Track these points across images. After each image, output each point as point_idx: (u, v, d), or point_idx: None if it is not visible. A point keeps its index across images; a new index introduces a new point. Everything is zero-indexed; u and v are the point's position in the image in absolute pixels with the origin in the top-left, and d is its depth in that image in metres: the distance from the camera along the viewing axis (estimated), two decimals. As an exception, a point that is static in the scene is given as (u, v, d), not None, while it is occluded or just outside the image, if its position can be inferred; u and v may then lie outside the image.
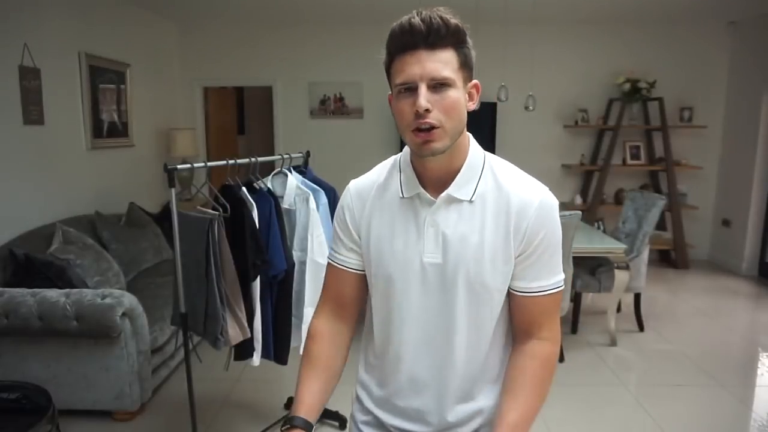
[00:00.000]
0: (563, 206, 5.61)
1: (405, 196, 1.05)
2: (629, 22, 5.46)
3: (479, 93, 1.02)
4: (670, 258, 5.75)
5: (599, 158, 5.66)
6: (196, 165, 2.19)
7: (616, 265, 3.57)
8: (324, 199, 2.47)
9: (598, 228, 4.62)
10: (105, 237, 3.52)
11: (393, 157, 1.13)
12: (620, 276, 3.56)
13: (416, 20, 0.92)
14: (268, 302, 2.30)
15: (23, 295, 2.55)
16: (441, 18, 0.92)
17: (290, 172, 2.48)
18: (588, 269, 3.73)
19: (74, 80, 3.88)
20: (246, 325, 2.17)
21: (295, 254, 2.40)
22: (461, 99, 0.96)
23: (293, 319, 2.37)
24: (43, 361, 2.61)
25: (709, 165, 5.67)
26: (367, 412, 1.18)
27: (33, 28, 3.41)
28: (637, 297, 3.96)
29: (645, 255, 3.86)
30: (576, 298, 3.87)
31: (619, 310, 3.98)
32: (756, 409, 2.90)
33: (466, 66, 0.97)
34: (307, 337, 1.16)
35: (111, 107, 4.32)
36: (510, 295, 1.06)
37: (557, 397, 2.90)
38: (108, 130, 4.28)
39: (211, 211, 2.12)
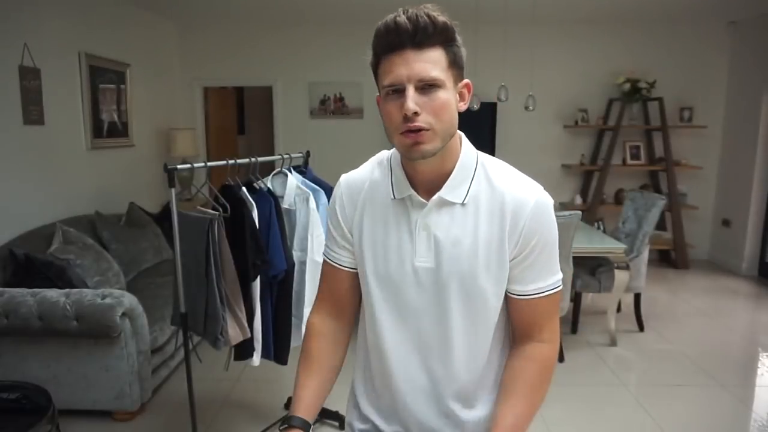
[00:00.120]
0: (563, 206, 5.62)
1: (396, 197, 1.02)
2: (629, 22, 5.46)
3: (471, 93, 0.99)
4: (670, 258, 5.75)
5: (599, 158, 5.66)
6: (196, 165, 2.19)
7: (616, 265, 3.57)
8: (324, 199, 2.47)
9: (598, 228, 4.62)
10: (105, 237, 3.52)
11: (383, 154, 1.09)
12: (620, 276, 3.56)
13: (402, 19, 0.88)
14: (268, 302, 2.30)
15: (23, 295, 2.55)
16: (428, 16, 0.88)
17: (290, 172, 2.48)
18: (588, 269, 3.73)
19: (74, 80, 3.88)
20: (246, 325, 2.17)
21: (295, 254, 2.40)
22: (451, 100, 0.92)
23: (293, 319, 2.37)
24: (43, 361, 2.61)
25: (709, 165, 5.67)
26: (365, 419, 1.15)
27: (33, 28, 3.41)
28: (637, 297, 3.96)
29: (645, 255, 3.86)
30: (576, 298, 3.86)
31: (619, 310, 3.98)
32: (756, 409, 2.90)
33: (455, 65, 0.93)
34: (305, 335, 1.15)
35: (111, 107, 4.32)
36: (507, 299, 1.03)
37: (557, 397, 2.90)
38: (108, 130, 4.28)
39: (211, 211, 2.12)
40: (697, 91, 5.57)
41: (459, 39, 0.93)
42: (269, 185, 2.40)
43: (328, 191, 2.54)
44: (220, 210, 2.11)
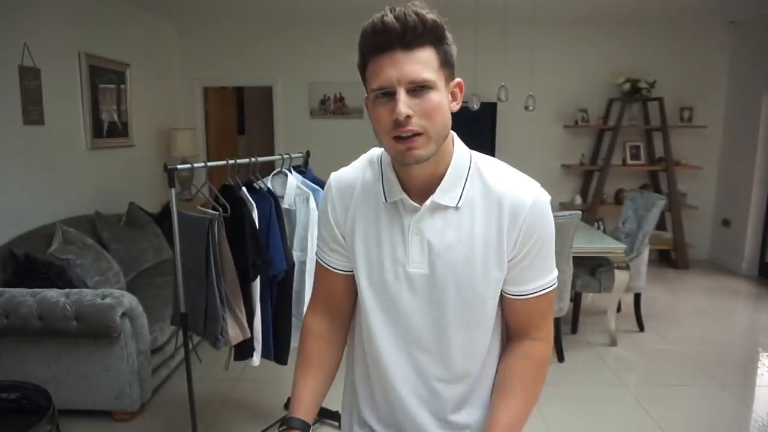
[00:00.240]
0: (563, 206, 5.62)
1: (388, 200, 0.99)
2: (629, 22, 5.46)
3: (463, 92, 0.95)
4: (670, 258, 5.75)
5: (599, 158, 5.66)
6: (196, 165, 2.19)
7: (616, 265, 3.57)
8: (324, 199, 2.46)
9: (598, 228, 4.62)
10: (105, 237, 3.52)
11: (374, 152, 1.05)
12: (620, 276, 3.56)
13: (389, 18, 0.84)
14: (268, 302, 2.30)
15: (23, 295, 2.55)
16: (417, 14, 0.84)
17: (290, 172, 2.48)
18: (588, 269, 3.73)
19: (74, 80, 3.88)
20: (246, 325, 2.17)
21: (295, 254, 2.39)
22: (444, 101, 0.89)
23: (293, 319, 2.37)
24: (43, 361, 2.61)
25: (709, 165, 5.67)
26: (364, 424, 1.14)
27: (33, 28, 3.41)
28: (637, 297, 3.96)
29: (645, 255, 3.86)
30: (576, 298, 3.87)
31: (619, 310, 3.98)
32: (756, 409, 2.90)
33: (447, 64, 0.89)
34: (301, 335, 1.14)
35: (111, 107, 4.32)
36: (503, 298, 1.02)
37: (557, 397, 2.91)
38: (108, 130, 4.28)
39: (211, 211, 2.12)
40: (697, 91, 5.57)
41: (449, 37, 0.89)
42: (269, 185, 2.40)
43: (328, 191, 2.53)
44: (220, 210, 2.11)
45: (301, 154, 2.73)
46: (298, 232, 2.41)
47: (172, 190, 2.13)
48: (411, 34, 0.84)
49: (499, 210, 0.94)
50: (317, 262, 1.12)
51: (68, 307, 2.50)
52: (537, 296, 0.99)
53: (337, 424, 2.65)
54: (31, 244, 3.04)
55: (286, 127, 5.80)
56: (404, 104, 0.85)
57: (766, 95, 5.04)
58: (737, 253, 5.39)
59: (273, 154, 2.71)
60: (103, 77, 4.19)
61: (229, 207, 2.13)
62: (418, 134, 0.86)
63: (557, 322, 3.37)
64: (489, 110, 5.34)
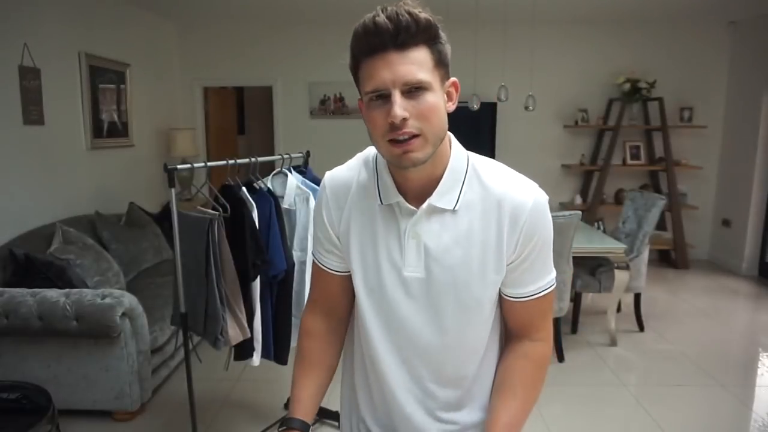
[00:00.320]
0: (563, 206, 5.62)
1: (383, 203, 0.97)
2: (629, 22, 5.46)
3: (458, 91, 0.93)
4: (670, 258, 5.75)
5: (599, 158, 5.66)
6: (196, 165, 2.19)
7: (616, 265, 3.56)
8: (324, 199, 2.46)
9: (598, 228, 4.62)
10: (105, 237, 3.52)
11: (369, 152, 1.03)
12: (620, 276, 3.56)
13: (381, 19, 0.81)
14: (268, 302, 2.30)
15: (23, 295, 2.55)
16: (409, 13, 0.82)
17: (290, 172, 2.48)
18: (588, 269, 3.73)
19: (74, 80, 3.88)
20: (246, 325, 2.17)
21: (295, 254, 2.40)
22: (440, 102, 0.87)
23: (293, 319, 2.37)
24: (43, 361, 2.61)
25: (709, 165, 5.67)
26: (363, 424, 1.13)
27: (33, 28, 3.41)
28: (637, 297, 3.96)
29: (645, 255, 3.86)
30: (576, 298, 3.87)
31: (619, 310, 3.98)
32: (756, 409, 2.90)
33: (441, 64, 0.87)
34: (299, 335, 1.13)
35: (111, 107, 4.32)
36: (503, 300, 1.01)
37: (557, 397, 2.91)
38: (108, 130, 4.28)
39: (211, 211, 2.12)
40: (697, 91, 5.57)
41: (443, 35, 0.87)
42: (269, 185, 2.40)
43: (328, 191, 2.53)
44: (220, 210, 2.11)
45: (301, 154, 2.73)
46: (298, 232, 2.41)
47: (172, 190, 2.13)
48: (404, 34, 0.82)
49: (498, 212, 0.92)
50: (313, 262, 1.11)
51: (68, 307, 2.50)
52: (537, 298, 0.98)
53: (336, 424, 2.64)
54: (31, 244, 3.04)
55: (286, 127, 5.80)
56: (400, 107, 0.83)
57: (766, 95, 5.04)
58: (737, 253, 5.39)
59: (273, 154, 2.71)
60: (103, 77, 4.19)
61: (229, 207, 2.14)
62: (415, 136, 0.85)
63: (557, 322, 3.38)
64: (489, 110, 5.34)
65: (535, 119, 5.52)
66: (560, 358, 3.38)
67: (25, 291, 2.59)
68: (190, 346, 2.25)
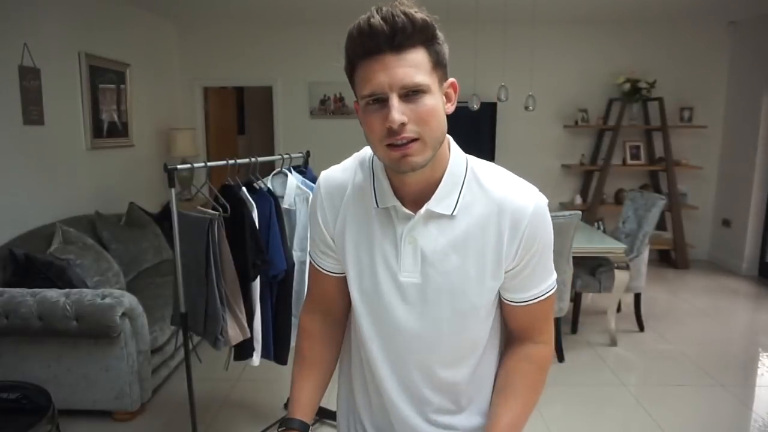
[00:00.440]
0: (563, 206, 5.62)
1: (380, 206, 0.94)
2: (629, 22, 5.46)
3: (457, 92, 0.90)
4: (670, 258, 5.75)
5: (599, 158, 5.66)
6: (196, 165, 2.19)
7: (616, 265, 3.56)
8: (324, 199, 2.46)
9: (598, 228, 4.62)
10: (105, 237, 3.52)
11: (365, 153, 1.00)
12: (620, 276, 3.56)
13: (376, 20, 0.79)
14: (268, 302, 2.30)
15: (23, 295, 2.55)
16: (405, 14, 0.79)
17: (290, 172, 2.48)
18: (588, 269, 3.73)
19: (74, 80, 3.88)
20: (246, 325, 2.17)
21: (295, 254, 2.40)
22: (439, 104, 0.84)
23: (293, 319, 2.37)
24: (43, 361, 2.61)
25: (709, 165, 5.67)
26: (360, 425, 1.13)
27: (33, 28, 3.41)
28: (637, 297, 3.96)
29: (645, 255, 3.86)
30: (576, 298, 3.86)
31: (619, 310, 3.98)
32: (756, 409, 2.90)
33: (439, 64, 0.84)
34: (298, 335, 1.13)
35: (111, 107, 4.32)
36: (503, 305, 1.00)
37: (557, 397, 2.91)
38: (108, 130, 4.28)
39: (211, 211, 2.12)
40: (697, 91, 5.57)
41: (441, 35, 0.84)
42: (269, 185, 2.40)
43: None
44: (220, 210, 2.11)
45: (301, 154, 2.73)
46: (298, 232, 2.41)
47: (172, 190, 2.13)
48: (400, 36, 0.79)
49: (498, 218, 0.90)
50: (310, 263, 1.10)
51: (68, 307, 2.50)
52: (539, 301, 0.97)
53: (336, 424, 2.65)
54: (31, 244, 3.04)
55: (286, 127, 5.80)
56: (398, 111, 0.80)
57: (766, 95, 5.04)
58: (737, 253, 5.39)
59: (273, 154, 2.71)
60: (103, 77, 4.19)
61: (229, 207, 2.14)
62: (414, 140, 0.83)
63: (557, 322, 3.37)
64: (489, 110, 5.34)
65: (535, 119, 5.52)
66: (560, 358, 3.38)
67: (25, 291, 2.59)
68: (190, 346, 2.25)
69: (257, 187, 2.33)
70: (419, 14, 0.81)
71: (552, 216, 0.98)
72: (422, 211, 0.91)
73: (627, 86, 5.26)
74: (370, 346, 1.01)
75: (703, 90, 5.57)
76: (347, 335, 1.14)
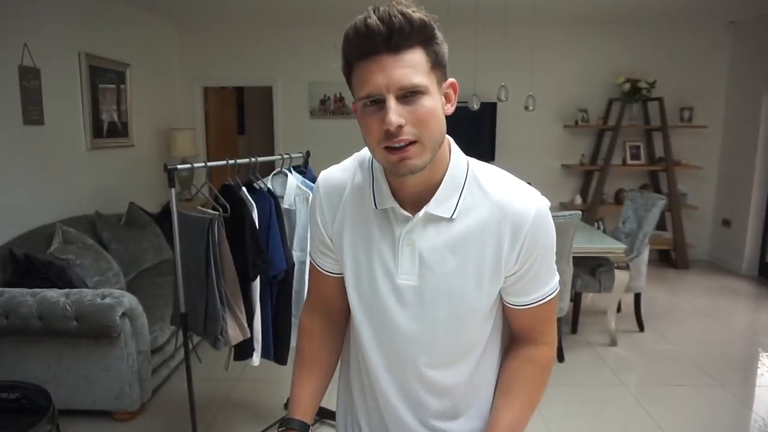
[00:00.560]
0: (563, 206, 5.62)
1: (378, 207, 0.93)
2: (629, 22, 5.46)
3: (457, 93, 0.89)
4: (670, 258, 5.75)
5: (599, 158, 5.66)
6: (196, 165, 2.19)
7: (616, 265, 3.56)
8: (324, 199, 2.46)
9: (598, 228, 4.62)
10: (105, 237, 3.52)
11: (365, 153, 0.99)
12: (620, 276, 3.56)
13: (373, 20, 0.77)
14: (268, 302, 2.30)
15: (23, 295, 2.55)
16: (402, 14, 0.78)
17: (290, 172, 2.48)
18: (588, 269, 3.73)
19: (74, 80, 3.88)
20: (246, 325, 2.17)
21: (295, 254, 2.40)
22: (437, 106, 0.83)
23: (293, 319, 2.37)
24: (43, 361, 2.61)
25: (709, 165, 5.67)
26: (357, 426, 1.12)
27: (33, 28, 3.41)
28: (637, 297, 3.96)
29: (645, 255, 3.86)
30: (576, 298, 3.86)
31: (619, 310, 3.98)
32: (756, 409, 2.90)
33: (438, 65, 0.83)
34: (298, 335, 1.12)
35: (111, 107, 4.32)
36: (506, 308, 0.99)
37: (557, 397, 2.91)
38: (108, 130, 4.28)
39: (211, 211, 2.12)
40: (697, 91, 5.57)
41: (439, 35, 0.83)
42: (269, 185, 2.40)
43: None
44: (220, 210, 2.11)
45: (301, 154, 2.73)
46: (298, 232, 2.41)
47: (172, 190, 2.13)
48: (397, 36, 0.78)
49: (498, 222, 0.89)
50: (311, 263, 1.10)
51: (68, 307, 2.50)
52: (541, 304, 0.96)
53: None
54: (31, 244, 3.04)
55: (286, 127, 5.80)
56: (395, 113, 0.79)
57: (766, 95, 5.03)
58: (737, 253, 5.39)
59: (273, 154, 2.71)
60: (103, 77, 4.19)
61: (229, 207, 2.14)
62: (412, 143, 0.81)
63: (558, 322, 3.37)
64: (489, 110, 5.34)
65: (535, 119, 5.52)
66: (560, 358, 3.38)
67: (25, 291, 2.59)
68: (190, 346, 2.25)
69: (257, 187, 2.33)
70: (417, 14, 0.79)
71: (552, 216, 0.97)
72: (421, 213, 0.90)
73: (627, 86, 5.26)
74: (368, 347, 1.00)
75: (703, 90, 5.57)
76: (347, 335, 1.14)
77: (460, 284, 0.91)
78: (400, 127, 0.80)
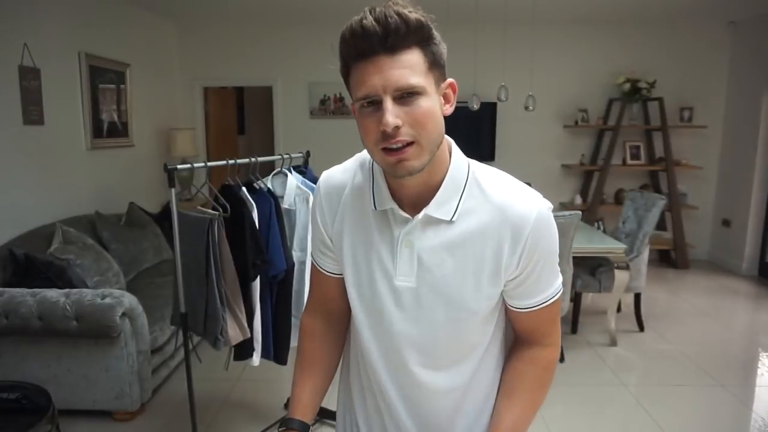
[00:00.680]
0: (563, 206, 5.62)
1: (377, 208, 0.93)
2: (629, 22, 5.46)
3: (456, 93, 0.88)
4: (670, 258, 5.75)
5: (599, 158, 5.66)
6: (196, 165, 2.19)
7: (616, 265, 3.56)
8: (324, 199, 2.46)
9: (598, 228, 4.62)
10: (105, 237, 3.52)
11: (365, 153, 0.98)
12: (620, 276, 3.56)
13: (369, 21, 0.77)
14: (268, 302, 2.30)
15: (23, 295, 2.55)
16: (398, 14, 0.77)
17: (290, 172, 2.48)
18: (588, 269, 3.73)
19: (74, 80, 3.88)
20: (246, 325, 2.17)
21: (295, 254, 2.40)
22: (435, 106, 0.82)
23: (293, 319, 2.37)
24: (43, 361, 2.61)
25: (709, 165, 5.67)
26: (356, 427, 1.11)
27: (33, 28, 3.41)
28: (637, 297, 3.96)
29: (645, 255, 3.86)
30: (576, 298, 3.86)
31: (619, 310, 3.98)
32: (756, 409, 2.90)
33: (436, 65, 0.82)
34: (299, 336, 1.12)
35: (111, 107, 4.32)
36: (509, 311, 0.98)
37: (557, 397, 2.91)
38: (108, 130, 4.28)
39: (211, 211, 2.12)
40: (697, 91, 5.57)
41: (437, 35, 0.82)
42: (269, 185, 2.40)
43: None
44: (220, 210, 2.11)
45: (301, 154, 2.73)
46: (298, 232, 2.41)
47: (172, 190, 2.13)
48: (394, 37, 0.77)
49: (499, 225, 0.88)
50: (312, 263, 1.10)
51: (68, 307, 2.50)
52: (544, 307, 0.95)
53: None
54: (31, 244, 3.04)
55: (286, 127, 5.80)
56: (392, 114, 0.78)
57: (766, 95, 5.03)
58: (737, 253, 5.39)
59: (273, 154, 2.71)
60: (103, 77, 4.19)
61: (229, 207, 2.14)
62: (410, 144, 0.81)
63: (557, 322, 3.38)
64: (489, 110, 5.34)
65: (535, 119, 5.52)
66: (560, 358, 3.38)
67: (25, 291, 2.59)
68: (190, 346, 2.25)
69: (257, 187, 2.33)
70: (413, 14, 0.79)
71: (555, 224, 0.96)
72: (420, 215, 0.89)
73: (627, 86, 5.26)
74: (367, 347, 1.00)
75: (703, 90, 5.57)
76: (348, 336, 1.14)
77: (458, 287, 0.91)
78: (397, 128, 0.79)
